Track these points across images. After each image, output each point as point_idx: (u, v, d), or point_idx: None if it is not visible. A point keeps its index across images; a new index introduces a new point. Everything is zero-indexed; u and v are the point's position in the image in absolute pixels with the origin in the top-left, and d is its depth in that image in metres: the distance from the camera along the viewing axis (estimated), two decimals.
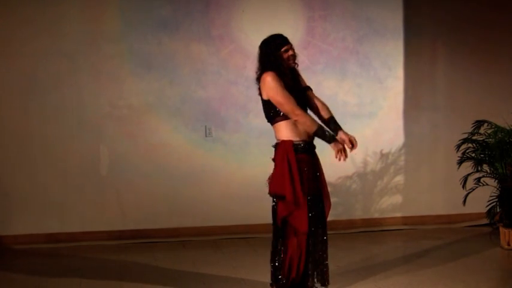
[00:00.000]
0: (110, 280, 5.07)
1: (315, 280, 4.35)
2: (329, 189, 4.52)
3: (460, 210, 6.37)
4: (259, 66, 4.34)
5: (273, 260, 4.36)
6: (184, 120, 6.49)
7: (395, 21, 6.77)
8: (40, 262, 5.69)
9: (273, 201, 4.34)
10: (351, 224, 6.77)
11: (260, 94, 4.35)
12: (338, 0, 6.65)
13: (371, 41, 6.75)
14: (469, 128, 6.02)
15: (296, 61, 4.37)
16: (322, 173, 4.42)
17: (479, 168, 5.93)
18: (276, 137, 4.36)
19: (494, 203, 5.90)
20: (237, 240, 6.35)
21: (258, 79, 4.33)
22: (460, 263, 5.44)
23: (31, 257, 5.85)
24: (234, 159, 6.55)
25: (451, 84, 6.94)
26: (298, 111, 4.22)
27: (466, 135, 6.01)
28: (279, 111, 4.28)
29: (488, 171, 5.96)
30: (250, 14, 6.50)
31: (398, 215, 6.90)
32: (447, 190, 6.82)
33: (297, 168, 4.22)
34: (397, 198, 6.89)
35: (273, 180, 4.29)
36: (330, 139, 4.26)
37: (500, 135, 5.84)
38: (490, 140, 5.89)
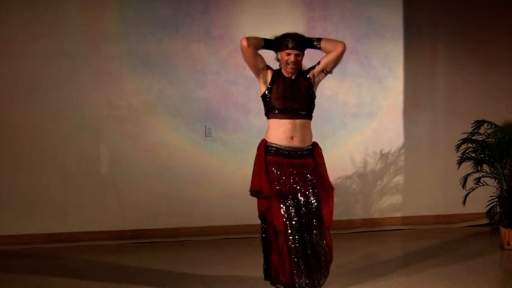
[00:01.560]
0: (109, 280, 5.05)
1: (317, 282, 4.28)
2: None
3: (460, 210, 6.38)
4: None
5: (263, 257, 4.39)
6: (184, 120, 6.49)
7: (395, 21, 6.78)
8: (40, 262, 5.69)
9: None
10: (350, 224, 6.77)
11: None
12: (338, 0, 6.67)
13: (371, 41, 6.75)
14: (468, 128, 6.02)
15: (293, 71, 4.22)
16: (322, 175, 4.33)
17: (479, 168, 5.94)
18: None
19: (494, 203, 5.90)
20: (237, 240, 6.35)
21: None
22: (460, 263, 5.44)
23: (31, 257, 5.85)
24: (234, 159, 6.55)
25: (450, 84, 6.94)
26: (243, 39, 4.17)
27: (465, 135, 6.01)
28: (271, 108, 4.24)
29: (488, 171, 5.97)
30: (250, 14, 6.51)
31: (398, 215, 6.90)
32: (447, 190, 6.83)
33: (265, 167, 4.22)
34: (397, 198, 6.89)
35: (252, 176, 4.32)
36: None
37: (500, 135, 5.85)
38: (490, 140, 5.90)
